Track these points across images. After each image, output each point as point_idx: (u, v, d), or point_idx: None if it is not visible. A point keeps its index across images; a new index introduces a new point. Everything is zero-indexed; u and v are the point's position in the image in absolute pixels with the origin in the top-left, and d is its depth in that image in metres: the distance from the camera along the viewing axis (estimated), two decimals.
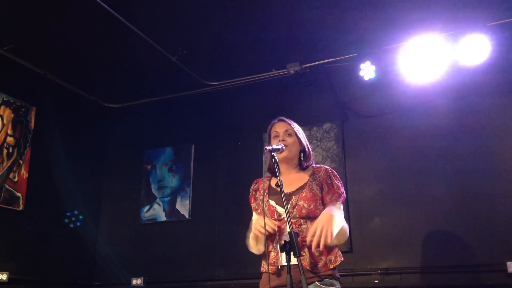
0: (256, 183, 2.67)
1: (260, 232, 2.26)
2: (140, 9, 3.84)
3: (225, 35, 4.21)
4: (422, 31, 3.93)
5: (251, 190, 2.66)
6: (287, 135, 2.57)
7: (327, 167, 2.57)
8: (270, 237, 2.35)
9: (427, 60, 3.98)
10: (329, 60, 4.49)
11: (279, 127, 2.61)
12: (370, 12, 3.85)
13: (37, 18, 3.91)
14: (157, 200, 5.07)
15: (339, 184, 2.50)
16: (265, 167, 4.57)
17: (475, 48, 3.83)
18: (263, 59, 4.56)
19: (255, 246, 2.47)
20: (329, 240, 2.19)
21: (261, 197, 2.50)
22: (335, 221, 2.25)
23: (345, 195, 2.52)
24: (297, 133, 2.60)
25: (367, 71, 4.20)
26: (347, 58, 4.38)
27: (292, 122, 2.64)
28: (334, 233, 2.22)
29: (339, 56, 4.42)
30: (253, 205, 2.62)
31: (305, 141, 2.62)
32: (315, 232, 2.21)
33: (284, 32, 4.15)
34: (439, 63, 3.99)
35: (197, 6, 3.81)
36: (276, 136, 2.59)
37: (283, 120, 2.64)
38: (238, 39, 4.25)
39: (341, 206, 2.48)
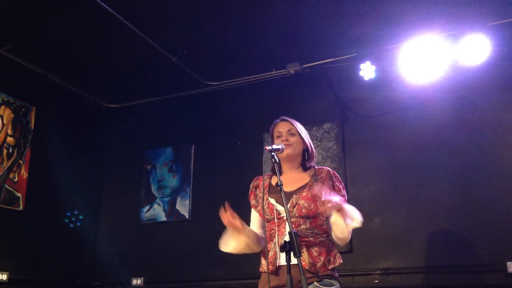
0: (256, 180, 2.65)
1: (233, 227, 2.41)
2: (140, 9, 3.84)
3: (225, 35, 4.21)
4: (422, 31, 3.93)
5: (251, 186, 2.65)
6: (290, 135, 2.56)
7: (329, 168, 2.56)
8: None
9: (427, 60, 3.97)
10: (329, 60, 4.48)
11: (282, 127, 2.60)
12: (370, 12, 3.85)
13: (37, 18, 3.91)
14: (157, 200, 5.07)
15: (341, 187, 2.49)
16: (265, 167, 4.61)
17: (475, 48, 3.83)
18: (263, 59, 4.56)
19: (231, 243, 2.57)
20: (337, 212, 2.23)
21: (261, 194, 2.50)
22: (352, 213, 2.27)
23: (346, 198, 2.51)
24: (300, 132, 2.59)
25: (367, 71, 4.20)
26: (347, 58, 4.38)
27: (295, 121, 2.63)
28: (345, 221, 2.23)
29: (339, 56, 4.42)
30: (252, 202, 2.61)
31: (308, 140, 2.60)
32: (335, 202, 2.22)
33: (284, 32, 4.15)
34: (439, 63, 3.98)
35: (197, 6, 3.80)
36: (279, 136, 2.57)
37: (285, 120, 2.63)
38: (238, 39, 4.25)
39: None
